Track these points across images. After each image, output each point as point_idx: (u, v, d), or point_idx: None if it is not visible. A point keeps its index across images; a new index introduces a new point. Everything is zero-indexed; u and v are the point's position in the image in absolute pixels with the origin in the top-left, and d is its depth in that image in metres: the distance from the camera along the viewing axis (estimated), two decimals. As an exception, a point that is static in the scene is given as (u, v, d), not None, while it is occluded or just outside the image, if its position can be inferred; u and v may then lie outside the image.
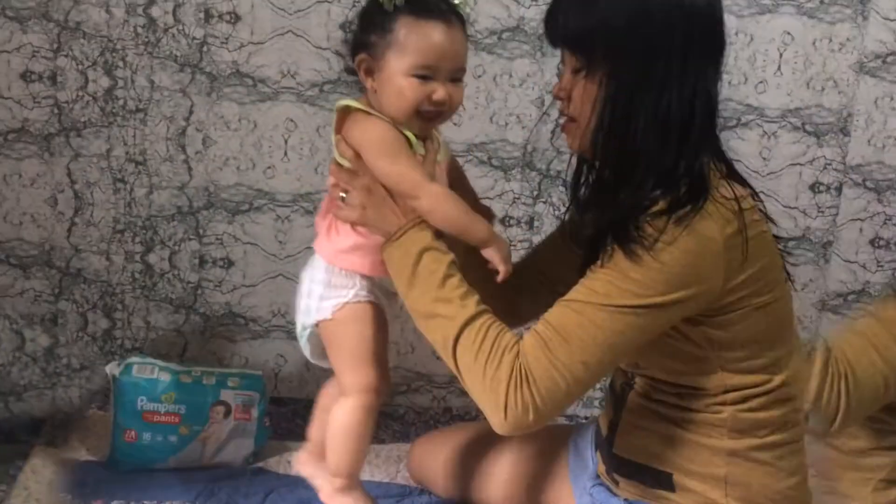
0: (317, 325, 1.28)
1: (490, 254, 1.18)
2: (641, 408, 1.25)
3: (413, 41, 1.15)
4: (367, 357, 1.26)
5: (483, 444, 1.60)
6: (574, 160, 1.33)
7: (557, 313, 1.13)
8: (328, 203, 1.31)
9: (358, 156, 1.20)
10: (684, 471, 1.22)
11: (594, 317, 1.10)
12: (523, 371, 1.09)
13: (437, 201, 1.17)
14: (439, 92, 1.17)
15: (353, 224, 1.24)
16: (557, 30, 1.20)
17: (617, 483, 1.31)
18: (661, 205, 1.11)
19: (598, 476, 1.39)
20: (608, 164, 1.20)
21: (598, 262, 1.13)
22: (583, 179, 1.30)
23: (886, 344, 1.38)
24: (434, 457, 1.66)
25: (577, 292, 1.14)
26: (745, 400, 1.18)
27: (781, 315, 1.21)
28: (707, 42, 1.15)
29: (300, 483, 1.52)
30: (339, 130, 1.24)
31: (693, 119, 1.13)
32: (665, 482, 1.23)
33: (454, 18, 1.18)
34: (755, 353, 1.18)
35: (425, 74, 1.16)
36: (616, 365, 1.25)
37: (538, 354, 1.10)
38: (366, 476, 1.81)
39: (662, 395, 1.23)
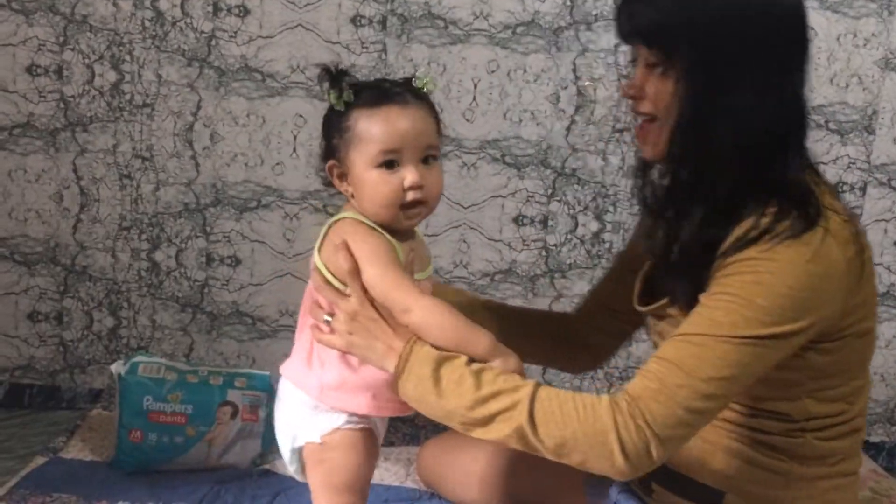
0: (303, 446, 1.21)
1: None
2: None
3: (369, 131, 1.11)
4: (352, 486, 1.20)
5: (493, 448, 1.60)
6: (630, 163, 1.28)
7: (673, 349, 1.07)
8: (306, 317, 1.20)
9: (354, 271, 1.12)
10: (739, 491, 1.20)
11: (718, 349, 1.04)
12: (636, 410, 1.04)
13: (430, 313, 1.10)
14: (409, 176, 1.11)
15: (338, 350, 1.15)
16: (634, 22, 1.12)
17: (651, 493, 1.30)
18: (766, 222, 1.06)
19: (626, 483, 1.38)
20: (687, 169, 1.12)
21: (712, 289, 1.08)
22: (646, 184, 1.23)
23: None
24: (444, 460, 1.66)
25: (695, 325, 1.07)
26: (823, 428, 1.16)
27: (871, 342, 1.18)
28: (793, 42, 1.11)
29: (307, 486, 1.52)
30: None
31: (781, 124, 1.09)
32: (714, 499, 1.22)
33: (412, 98, 1.13)
34: (843, 382, 1.16)
35: (390, 161, 1.11)
36: (736, 397, 1.16)
37: (654, 392, 1.05)
38: (375, 479, 1.81)
39: (736, 416, 1.20)
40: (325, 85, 1.14)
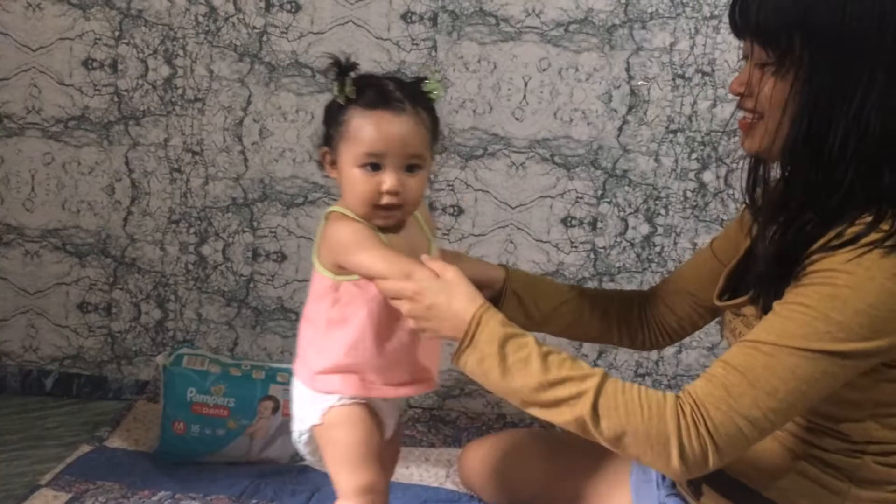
0: (310, 430, 1.28)
1: None
2: None
3: (359, 131, 1.17)
4: (361, 459, 1.24)
5: (536, 451, 1.60)
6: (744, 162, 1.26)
7: (741, 355, 1.06)
8: (308, 311, 1.28)
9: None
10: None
11: (787, 361, 1.03)
12: (699, 416, 1.04)
13: (374, 270, 1.17)
14: (387, 181, 1.17)
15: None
16: (749, 20, 1.10)
17: (700, 495, 1.29)
18: (854, 230, 1.04)
19: (673, 486, 1.37)
20: (798, 173, 1.11)
21: (788, 298, 1.06)
22: (757, 183, 1.24)
23: None
24: (485, 463, 1.66)
25: (766, 332, 1.06)
26: (885, 454, 1.15)
27: None
28: None
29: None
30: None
31: None
32: None
33: (409, 106, 1.18)
34: None
35: (373, 163, 1.18)
36: (799, 413, 1.15)
37: (718, 400, 1.04)
38: (415, 479, 1.83)
39: (796, 427, 1.19)
40: (331, 76, 1.20)
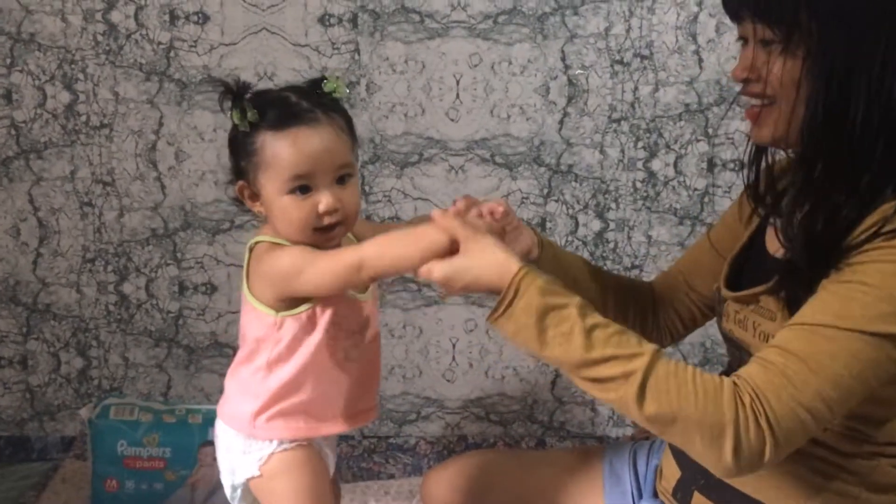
0: (246, 483, 1.24)
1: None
2: None
3: (277, 156, 1.12)
4: None
5: (503, 471, 1.58)
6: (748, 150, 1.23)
7: (799, 339, 1.03)
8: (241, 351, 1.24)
9: (408, 266, 1.12)
10: None
11: (850, 345, 1.01)
12: (759, 408, 1.01)
13: (375, 256, 1.11)
14: (323, 202, 1.13)
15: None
16: None
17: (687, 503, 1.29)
18: None
19: (655, 496, 1.36)
20: (821, 156, 1.08)
21: (842, 277, 1.03)
22: (760, 174, 1.22)
23: None
24: (450, 489, 1.63)
25: (823, 313, 1.03)
26: None
27: None
28: None
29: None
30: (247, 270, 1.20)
31: None
32: None
33: (321, 115, 1.14)
34: None
35: (302, 186, 1.13)
36: (853, 406, 1.11)
37: (778, 389, 1.01)
38: (375, 516, 1.80)
39: None
40: (227, 104, 1.14)
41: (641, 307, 1.47)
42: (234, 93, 1.15)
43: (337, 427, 1.23)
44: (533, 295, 1.07)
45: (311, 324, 1.17)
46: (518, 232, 1.32)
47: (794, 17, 1.06)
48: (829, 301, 1.04)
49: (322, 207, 1.13)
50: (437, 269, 1.09)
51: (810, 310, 1.05)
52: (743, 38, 1.14)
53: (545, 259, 1.36)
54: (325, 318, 1.16)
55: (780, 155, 1.23)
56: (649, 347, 1.06)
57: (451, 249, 1.10)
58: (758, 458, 1.02)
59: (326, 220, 1.14)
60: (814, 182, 1.10)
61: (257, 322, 1.19)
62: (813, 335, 1.03)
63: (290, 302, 1.16)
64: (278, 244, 1.17)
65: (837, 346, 1.01)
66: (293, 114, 1.13)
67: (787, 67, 1.08)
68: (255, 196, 1.18)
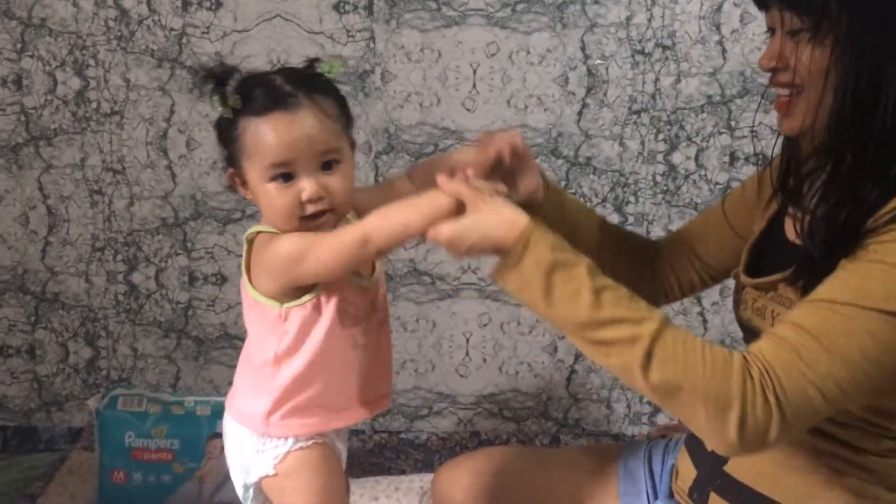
0: (259, 481, 1.22)
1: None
2: None
3: (257, 143, 1.10)
4: None
5: (516, 469, 1.56)
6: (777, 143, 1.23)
7: (814, 316, 1.02)
8: (248, 349, 1.22)
9: (417, 230, 1.11)
10: None
11: (868, 324, 0.99)
12: (767, 382, 1.00)
13: (379, 227, 1.09)
14: (307, 189, 1.10)
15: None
16: None
17: None
18: None
19: (671, 495, 1.35)
20: (850, 146, 1.08)
21: (863, 255, 1.02)
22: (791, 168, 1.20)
23: None
24: (461, 486, 1.62)
25: (842, 290, 1.02)
26: None
27: None
28: None
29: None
30: (247, 261, 1.17)
31: None
32: None
33: (303, 99, 1.11)
34: None
35: (284, 174, 1.11)
36: (867, 390, 1.10)
37: (789, 364, 1.00)
38: (385, 512, 1.79)
39: (827, 425, 1.14)
40: (209, 89, 1.13)
41: (641, 261, 1.45)
42: (216, 78, 1.13)
43: (353, 417, 1.22)
44: (543, 249, 1.06)
45: (316, 313, 1.14)
46: (528, 170, 1.30)
47: (823, 5, 1.04)
48: (848, 279, 1.02)
49: (304, 196, 1.10)
50: (444, 229, 1.07)
51: (828, 287, 1.03)
52: (770, 28, 1.13)
53: (550, 201, 1.35)
54: (330, 305, 1.14)
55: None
56: (658, 313, 1.05)
57: (458, 212, 1.08)
58: (763, 435, 1.00)
59: (311, 209, 1.11)
60: (842, 174, 1.09)
61: (261, 316, 1.16)
62: (830, 312, 1.01)
63: (294, 292, 1.14)
64: (277, 234, 1.14)
65: (854, 325, 1.00)
66: (273, 98, 1.10)
67: (816, 56, 1.07)
68: (245, 183, 1.16)
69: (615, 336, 1.03)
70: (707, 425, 1.02)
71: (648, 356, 1.02)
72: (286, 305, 1.14)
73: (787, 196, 1.21)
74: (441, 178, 1.11)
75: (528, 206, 1.33)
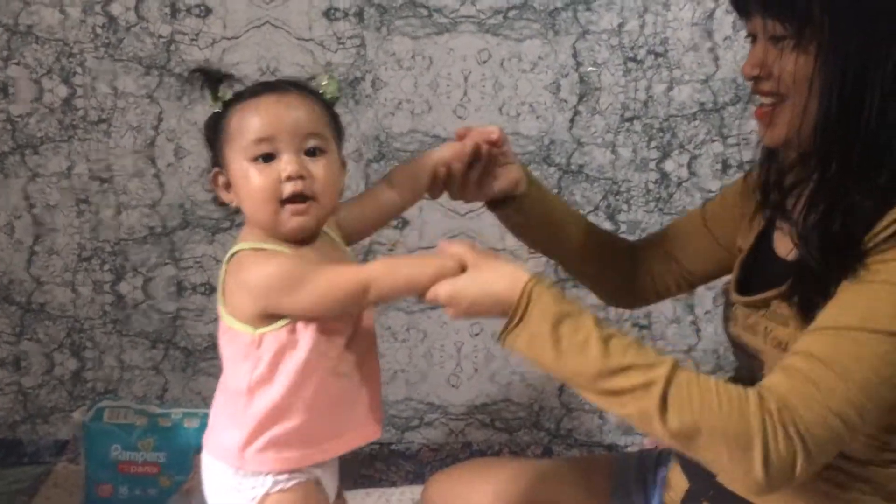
0: None
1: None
2: None
3: (241, 122, 1.09)
4: None
5: (509, 481, 1.56)
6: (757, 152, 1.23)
7: (823, 344, 1.01)
8: (224, 376, 1.15)
9: (415, 288, 1.08)
10: None
11: (878, 347, 0.99)
12: (787, 416, 0.99)
13: (382, 278, 1.05)
14: (287, 166, 1.07)
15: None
16: None
17: None
18: None
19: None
20: (836, 155, 1.07)
21: (865, 277, 1.02)
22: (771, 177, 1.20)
23: None
24: (452, 498, 1.62)
25: (848, 315, 1.01)
26: None
27: None
28: None
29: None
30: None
31: None
32: None
33: (294, 89, 1.11)
34: None
35: (266, 153, 1.08)
36: (884, 412, 1.10)
37: (805, 396, 0.99)
38: (376, 525, 1.78)
39: None
40: (200, 85, 1.13)
41: (619, 264, 1.45)
42: (209, 76, 1.13)
43: (336, 450, 1.16)
44: (547, 301, 1.04)
45: (293, 338, 1.08)
46: (509, 164, 1.30)
47: (807, 12, 1.04)
48: (853, 303, 1.02)
49: (286, 172, 1.06)
50: (442, 288, 1.06)
51: (833, 313, 1.03)
52: (752, 35, 1.12)
53: (531, 195, 1.34)
54: (308, 331, 1.08)
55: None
56: (668, 357, 1.04)
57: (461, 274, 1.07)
58: (789, 471, 0.99)
59: (289, 189, 1.07)
60: (829, 182, 1.08)
61: (234, 342, 1.11)
62: (838, 339, 1.00)
63: (268, 317, 1.08)
64: (263, 249, 1.09)
65: (865, 350, 0.99)
66: (265, 87, 1.11)
67: (800, 64, 1.06)
68: (229, 185, 1.12)
69: (629, 384, 1.02)
70: (731, 466, 1.01)
71: (664, 401, 1.00)
72: (259, 331, 1.08)
73: (774, 209, 1.20)
74: (442, 243, 1.10)
75: (510, 199, 1.33)
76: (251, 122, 1.08)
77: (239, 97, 1.12)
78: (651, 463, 1.43)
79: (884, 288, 1.00)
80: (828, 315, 1.03)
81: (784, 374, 1.02)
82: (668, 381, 1.01)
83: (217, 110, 1.12)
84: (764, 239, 1.25)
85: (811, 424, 0.98)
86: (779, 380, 1.02)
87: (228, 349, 1.13)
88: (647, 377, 1.01)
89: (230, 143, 1.10)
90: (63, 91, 2.02)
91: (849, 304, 1.02)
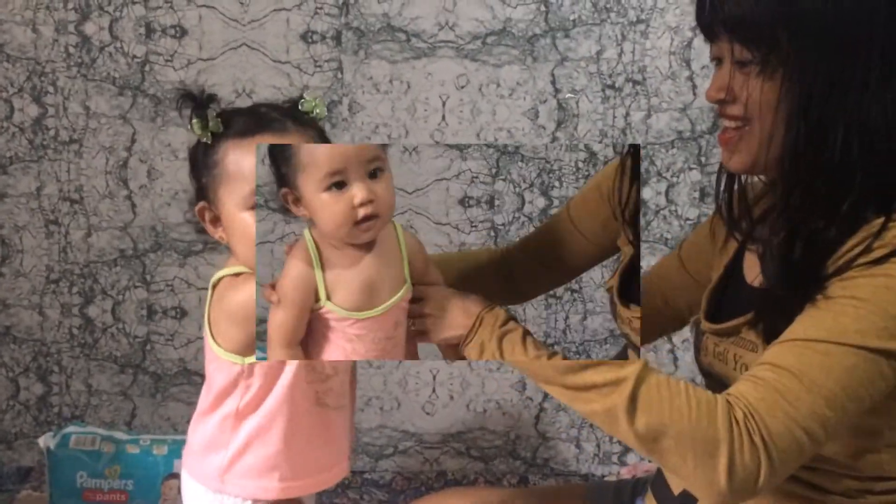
0: None
1: None
2: None
3: (239, 167, 1.05)
4: None
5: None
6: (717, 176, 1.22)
7: (790, 355, 1.02)
8: (205, 398, 1.15)
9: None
10: None
11: (845, 360, 1.00)
12: (752, 425, 0.99)
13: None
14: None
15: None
16: (725, 16, 1.07)
17: None
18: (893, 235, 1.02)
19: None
20: (800, 181, 1.08)
21: (832, 293, 1.03)
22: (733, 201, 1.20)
23: None
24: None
25: (816, 328, 1.02)
26: (890, 492, 1.11)
27: None
28: None
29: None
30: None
31: None
32: None
33: (290, 125, 1.09)
34: None
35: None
36: (847, 427, 1.10)
37: (772, 405, 0.99)
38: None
39: (798, 469, 1.11)
40: (188, 113, 1.08)
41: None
42: (197, 101, 1.08)
43: (313, 486, 1.16)
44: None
45: (280, 365, 1.09)
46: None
47: (772, 38, 1.05)
48: (820, 317, 1.02)
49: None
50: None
51: (801, 326, 1.03)
52: (717, 59, 1.12)
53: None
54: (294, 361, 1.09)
55: (754, 179, 1.22)
56: (637, 360, 1.04)
57: None
58: (752, 481, 0.99)
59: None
60: (791, 208, 1.09)
61: (221, 373, 1.10)
62: (805, 350, 1.01)
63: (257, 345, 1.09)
64: (242, 273, 1.08)
65: (831, 362, 1.00)
66: (259, 123, 1.07)
67: (765, 90, 1.07)
68: (217, 220, 1.10)
69: (600, 379, 1.02)
70: (694, 472, 1.01)
71: (633, 400, 1.00)
72: (249, 360, 1.08)
73: (737, 230, 1.21)
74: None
75: None
76: (251, 170, 1.05)
77: (230, 129, 1.07)
78: (627, 493, 1.43)
79: (850, 303, 1.01)
80: (796, 328, 1.03)
81: (752, 383, 1.02)
82: (639, 380, 1.01)
83: (205, 140, 1.07)
84: (734, 267, 1.25)
85: (776, 434, 0.99)
86: (746, 388, 1.02)
87: (216, 378, 1.12)
88: (618, 374, 1.01)
89: (225, 184, 1.07)
90: (34, 110, 2.01)
91: (815, 318, 1.03)
